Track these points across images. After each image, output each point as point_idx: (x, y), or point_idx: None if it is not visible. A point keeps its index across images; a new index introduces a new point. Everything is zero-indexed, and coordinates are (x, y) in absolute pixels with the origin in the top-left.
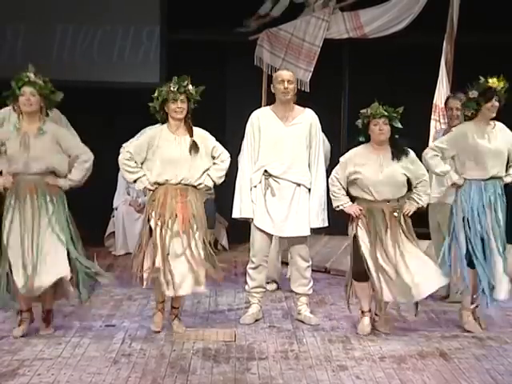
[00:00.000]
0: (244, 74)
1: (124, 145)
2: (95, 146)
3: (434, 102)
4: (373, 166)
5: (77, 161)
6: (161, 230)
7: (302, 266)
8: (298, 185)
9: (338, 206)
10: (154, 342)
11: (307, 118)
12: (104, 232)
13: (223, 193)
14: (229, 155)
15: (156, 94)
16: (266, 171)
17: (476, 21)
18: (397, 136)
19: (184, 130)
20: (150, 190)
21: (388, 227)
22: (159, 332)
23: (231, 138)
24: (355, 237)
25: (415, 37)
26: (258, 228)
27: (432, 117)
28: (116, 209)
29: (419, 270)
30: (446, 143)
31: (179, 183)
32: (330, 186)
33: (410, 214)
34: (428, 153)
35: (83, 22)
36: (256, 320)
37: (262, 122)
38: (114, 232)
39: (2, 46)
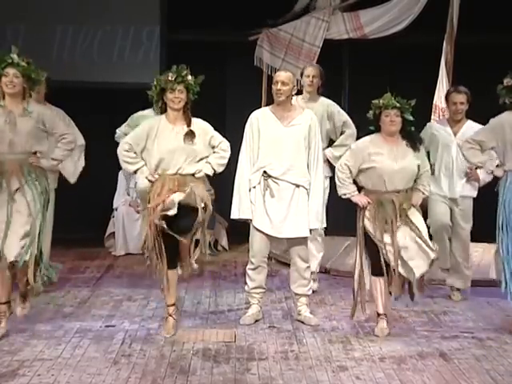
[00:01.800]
0: (244, 74)
1: (118, 129)
2: (95, 146)
3: (434, 102)
4: (388, 157)
5: (61, 141)
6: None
7: (301, 267)
8: (297, 186)
9: (344, 194)
10: (154, 343)
11: (306, 119)
12: (104, 232)
13: (223, 193)
14: (229, 144)
15: (154, 83)
16: (265, 172)
17: (476, 21)
18: (412, 128)
19: (182, 120)
20: (149, 181)
21: (397, 218)
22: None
23: (231, 138)
24: (364, 229)
25: (415, 37)
26: (256, 229)
27: (432, 117)
28: (116, 209)
29: (415, 254)
30: (482, 135)
31: (176, 173)
32: (337, 173)
33: (418, 204)
34: (463, 146)
35: (83, 22)
36: (256, 320)
37: (261, 122)
38: (113, 232)
39: (2, 46)
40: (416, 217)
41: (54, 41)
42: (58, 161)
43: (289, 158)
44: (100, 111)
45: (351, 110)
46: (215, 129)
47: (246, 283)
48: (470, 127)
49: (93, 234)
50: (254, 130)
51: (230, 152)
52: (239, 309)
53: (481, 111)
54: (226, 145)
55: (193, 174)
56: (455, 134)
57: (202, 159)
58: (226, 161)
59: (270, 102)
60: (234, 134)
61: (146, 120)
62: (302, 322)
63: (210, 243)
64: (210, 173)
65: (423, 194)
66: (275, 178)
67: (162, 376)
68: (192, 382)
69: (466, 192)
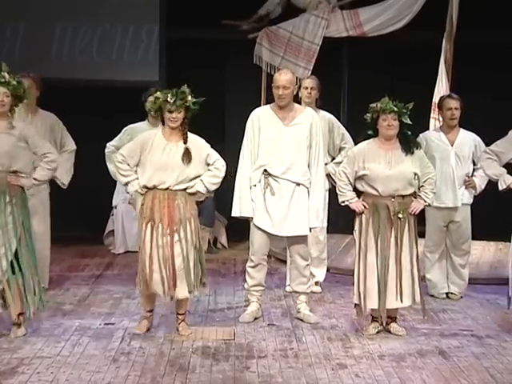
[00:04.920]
0: (243, 72)
1: (108, 144)
2: (94, 144)
3: (434, 100)
4: (381, 162)
5: (43, 160)
6: (151, 234)
7: (301, 265)
8: (298, 184)
9: (343, 202)
10: (154, 341)
11: (307, 118)
12: (103, 230)
13: (222, 191)
14: (224, 163)
15: (153, 99)
16: (265, 170)
17: (475, 19)
18: (408, 132)
19: (178, 136)
20: (141, 194)
21: (392, 226)
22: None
23: (230, 137)
24: (361, 234)
25: (415, 35)
26: (257, 227)
27: (431, 115)
28: (115, 207)
29: (405, 284)
30: (502, 146)
31: (167, 189)
32: (336, 181)
33: (416, 213)
34: (481, 156)
35: (82, 20)
36: (255, 318)
37: (262, 121)
38: (113, 230)
39: (2, 44)
40: (410, 237)
41: (53, 39)
42: (40, 182)
43: (289, 157)
44: (99, 109)
45: (351, 109)
46: (214, 127)
47: (245, 281)
48: (465, 136)
49: (92, 232)
50: (255, 128)
51: (224, 171)
52: (238, 307)
53: (480, 109)
54: (220, 163)
55: (185, 189)
56: (451, 143)
57: (195, 177)
58: (219, 180)
59: (270, 99)
60: (233, 132)
61: (138, 133)
62: (302, 320)
63: (209, 241)
64: (203, 190)
65: (424, 201)
66: (275, 177)
67: (162, 374)
68: (191, 380)
69: (465, 200)
